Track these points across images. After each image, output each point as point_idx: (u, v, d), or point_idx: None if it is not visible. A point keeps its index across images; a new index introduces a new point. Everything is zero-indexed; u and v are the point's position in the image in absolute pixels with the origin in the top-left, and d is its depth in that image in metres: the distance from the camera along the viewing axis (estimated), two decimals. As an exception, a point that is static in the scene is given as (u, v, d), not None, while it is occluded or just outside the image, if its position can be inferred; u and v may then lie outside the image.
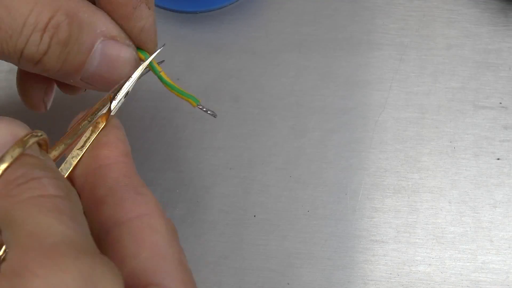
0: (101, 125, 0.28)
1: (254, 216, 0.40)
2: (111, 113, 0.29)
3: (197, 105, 0.33)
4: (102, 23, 0.29)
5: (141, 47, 0.31)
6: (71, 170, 0.28)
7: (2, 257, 0.19)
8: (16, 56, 0.27)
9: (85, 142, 0.28)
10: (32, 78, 0.33)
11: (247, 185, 0.41)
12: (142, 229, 0.25)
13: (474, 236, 0.39)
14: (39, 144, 0.23)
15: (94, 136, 0.28)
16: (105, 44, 0.29)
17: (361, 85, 0.43)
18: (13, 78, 0.44)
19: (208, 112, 0.33)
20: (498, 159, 0.41)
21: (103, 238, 0.25)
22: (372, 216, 0.40)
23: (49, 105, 0.35)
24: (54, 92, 0.35)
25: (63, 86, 0.34)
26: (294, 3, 0.46)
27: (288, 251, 0.39)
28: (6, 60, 0.28)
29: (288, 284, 0.39)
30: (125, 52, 0.30)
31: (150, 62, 0.32)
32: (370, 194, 0.40)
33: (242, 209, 0.40)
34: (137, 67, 0.31)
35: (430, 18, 0.45)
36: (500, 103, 0.43)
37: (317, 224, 0.40)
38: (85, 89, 0.34)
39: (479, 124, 0.42)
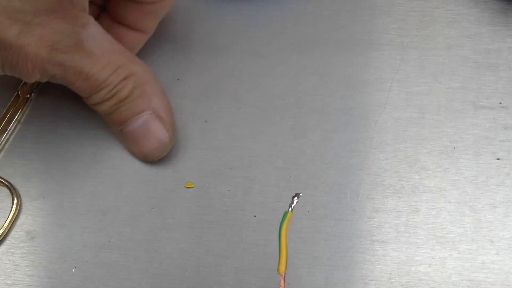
0: None
1: (254, 216, 0.40)
2: None
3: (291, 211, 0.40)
4: (159, 102, 0.37)
5: None
6: None
7: None
8: (86, 97, 0.37)
9: None
10: None
11: (247, 185, 0.41)
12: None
13: (474, 236, 0.39)
14: None
15: None
16: (151, 117, 0.37)
17: (361, 85, 0.43)
18: (13, 78, 0.44)
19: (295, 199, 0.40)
20: (498, 159, 0.41)
21: None
22: (372, 216, 0.40)
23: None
24: None
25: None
26: (294, 3, 0.46)
27: (288, 251, 0.39)
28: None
29: (288, 284, 0.39)
30: (162, 134, 0.38)
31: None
32: (370, 194, 0.40)
33: (242, 209, 0.40)
34: (168, 148, 0.39)
35: (430, 18, 0.45)
36: (500, 103, 0.43)
37: (317, 224, 0.40)
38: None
39: (479, 124, 0.42)
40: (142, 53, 0.44)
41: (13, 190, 0.40)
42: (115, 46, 0.36)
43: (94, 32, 0.34)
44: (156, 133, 0.37)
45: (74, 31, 0.33)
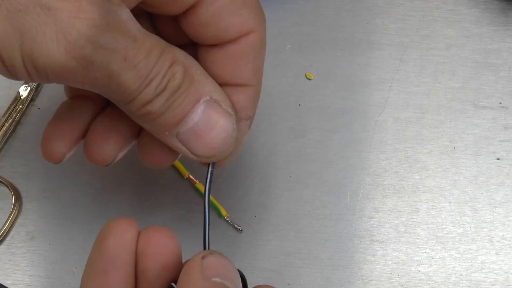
0: None
1: (255, 216, 0.40)
2: None
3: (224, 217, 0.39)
4: (210, 85, 0.30)
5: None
6: None
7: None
8: (133, 95, 0.28)
9: None
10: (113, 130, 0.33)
11: (247, 185, 0.41)
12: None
13: (474, 236, 0.39)
14: None
15: None
16: (209, 104, 0.30)
17: (361, 85, 0.43)
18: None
19: (234, 225, 0.39)
20: (498, 159, 0.41)
21: None
22: (372, 216, 0.40)
23: (116, 160, 0.34)
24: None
25: (146, 153, 0.33)
26: (294, 3, 0.46)
27: (288, 251, 0.39)
28: (114, 99, 0.29)
29: (288, 284, 0.39)
30: (226, 118, 0.31)
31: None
32: (370, 194, 0.40)
33: (242, 209, 0.40)
34: (235, 137, 0.31)
35: (430, 18, 0.45)
36: (500, 103, 0.43)
37: (317, 224, 0.40)
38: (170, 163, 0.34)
39: (479, 124, 0.42)
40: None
41: (13, 190, 0.40)
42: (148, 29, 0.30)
43: (129, 14, 0.27)
44: (220, 120, 0.30)
45: (113, 9, 0.26)
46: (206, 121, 0.30)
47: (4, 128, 0.42)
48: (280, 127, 0.42)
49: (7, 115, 0.42)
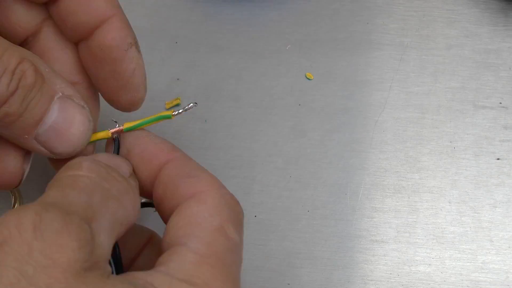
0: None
1: (255, 216, 0.40)
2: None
3: (174, 115, 0.33)
4: (60, 81, 0.30)
5: (133, 91, 0.32)
6: None
7: None
8: None
9: None
10: (6, 147, 0.32)
11: (247, 185, 0.41)
12: (189, 204, 0.27)
13: (474, 236, 0.39)
14: None
15: None
16: (63, 100, 0.30)
17: (361, 85, 0.43)
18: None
19: (189, 105, 0.34)
20: (498, 159, 0.41)
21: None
22: (372, 216, 0.40)
23: (25, 175, 0.33)
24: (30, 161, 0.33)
25: (55, 162, 0.33)
26: (294, 3, 0.46)
27: (288, 251, 0.39)
28: None
29: (288, 284, 0.39)
30: (81, 112, 0.30)
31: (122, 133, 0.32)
32: (370, 194, 0.40)
33: (242, 209, 0.40)
34: (91, 129, 0.31)
35: (430, 18, 0.45)
36: (500, 103, 0.43)
37: (317, 224, 0.40)
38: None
39: (479, 124, 0.42)
40: (143, 53, 0.44)
41: (13, 190, 0.40)
42: None
43: None
44: (76, 115, 0.30)
45: None
46: (64, 118, 0.30)
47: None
48: (280, 127, 0.42)
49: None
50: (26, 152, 0.32)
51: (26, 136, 0.29)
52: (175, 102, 0.43)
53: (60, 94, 0.29)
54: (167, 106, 0.42)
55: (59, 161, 0.31)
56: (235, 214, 0.28)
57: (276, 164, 0.41)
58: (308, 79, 0.43)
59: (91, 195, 0.25)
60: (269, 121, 0.42)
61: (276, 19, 0.45)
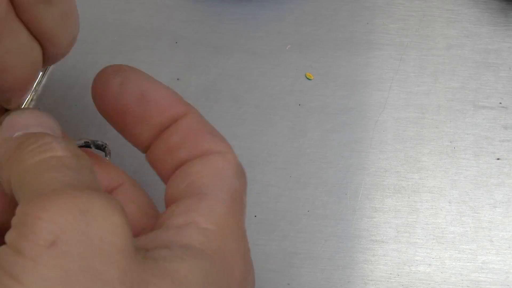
0: None
1: (255, 216, 0.40)
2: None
3: None
4: None
5: (60, 35, 0.26)
6: None
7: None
8: None
9: None
10: None
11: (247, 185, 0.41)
12: (214, 157, 0.26)
13: (474, 236, 0.39)
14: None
15: None
16: None
17: (361, 85, 0.43)
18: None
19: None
20: (498, 159, 0.41)
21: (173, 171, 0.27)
22: (372, 216, 0.40)
23: None
24: None
25: None
26: (294, 3, 0.46)
27: (288, 251, 0.39)
28: None
29: (288, 284, 0.38)
30: None
31: None
32: (370, 194, 0.40)
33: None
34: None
35: (430, 18, 0.45)
36: (500, 103, 0.43)
37: (317, 224, 0.40)
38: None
39: (479, 124, 0.42)
40: (143, 53, 0.44)
41: None
42: None
43: None
44: None
45: None
46: None
47: None
48: (280, 127, 0.42)
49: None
50: None
51: None
52: None
53: None
54: None
55: None
56: (246, 183, 0.28)
57: (276, 164, 0.41)
58: (308, 79, 0.43)
59: (90, 173, 0.23)
60: (269, 121, 0.42)
61: (276, 19, 0.45)
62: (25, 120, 0.25)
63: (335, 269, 0.39)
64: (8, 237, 0.20)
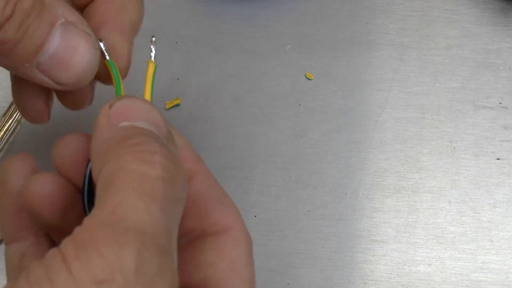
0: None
1: (255, 216, 0.40)
2: None
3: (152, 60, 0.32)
4: (63, 7, 0.28)
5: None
6: None
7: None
8: None
9: None
10: (30, 85, 0.31)
11: (247, 185, 0.41)
12: (226, 242, 0.26)
13: (474, 236, 0.39)
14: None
15: None
16: (66, 27, 0.28)
17: (361, 85, 0.43)
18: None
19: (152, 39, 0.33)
20: (498, 159, 0.41)
21: (183, 245, 0.26)
22: (372, 216, 0.40)
23: (50, 115, 0.33)
24: (53, 99, 0.33)
25: (63, 97, 0.32)
26: (294, 3, 0.46)
27: (288, 251, 0.39)
28: None
29: (288, 284, 0.39)
30: (86, 40, 0.28)
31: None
32: (370, 194, 0.40)
33: (242, 209, 0.40)
34: (98, 58, 0.29)
35: (430, 18, 0.45)
36: (500, 103, 0.43)
37: (317, 224, 0.40)
38: (84, 104, 0.33)
39: (479, 124, 0.42)
40: (143, 52, 0.44)
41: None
42: None
43: None
44: (81, 42, 0.28)
45: None
46: (67, 45, 0.28)
47: (4, 128, 0.42)
48: (280, 127, 0.42)
49: (7, 115, 0.42)
50: (47, 90, 0.31)
51: (27, 65, 0.28)
52: (175, 102, 0.43)
53: (63, 20, 0.27)
54: (167, 106, 0.42)
55: (66, 95, 0.30)
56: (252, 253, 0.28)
57: (276, 164, 0.41)
58: (308, 79, 0.43)
59: (167, 211, 0.22)
60: (269, 121, 0.42)
61: (276, 19, 0.45)
62: (135, 111, 0.24)
63: (335, 269, 0.39)
64: (65, 246, 0.20)
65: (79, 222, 0.21)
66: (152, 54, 0.32)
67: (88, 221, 0.20)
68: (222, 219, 0.26)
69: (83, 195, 0.25)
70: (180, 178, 0.23)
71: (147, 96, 0.30)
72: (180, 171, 0.23)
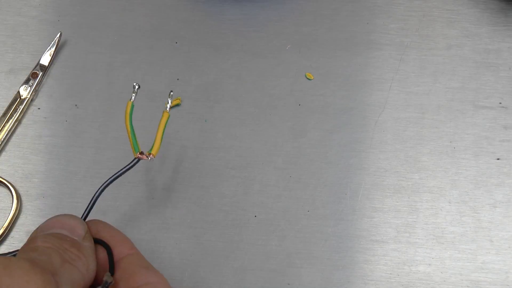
0: None
1: (255, 216, 0.40)
2: None
3: (168, 110, 0.36)
4: None
5: None
6: None
7: None
8: None
9: None
10: None
11: (247, 185, 0.41)
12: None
13: (474, 236, 0.39)
14: None
15: None
16: None
17: (361, 85, 0.43)
18: (13, 78, 0.44)
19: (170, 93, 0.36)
20: (498, 159, 0.41)
21: None
22: (372, 216, 0.40)
23: None
24: None
25: None
26: (294, 3, 0.46)
27: (288, 251, 0.39)
28: None
29: (288, 284, 0.39)
30: None
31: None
32: (370, 194, 0.40)
33: (242, 209, 0.40)
34: None
35: (430, 18, 0.45)
36: (500, 103, 0.43)
37: (317, 224, 0.40)
38: None
39: (479, 124, 0.42)
40: (143, 53, 0.44)
41: (13, 190, 0.40)
42: None
43: None
44: None
45: None
46: None
47: (4, 128, 0.42)
48: (280, 127, 0.42)
49: (7, 115, 0.42)
50: None
51: None
52: (175, 102, 0.43)
53: None
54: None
55: None
56: None
57: (276, 164, 0.41)
58: (308, 79, 0.44)
59: (50, 257, 0.28)
60: (269, 121, 0.42)
61: (276, 19, 0.45)
62: (54, 224, 0.31)
63: (335, 269, 0.39)
64: None
65: None
66: (168, 105, 0.36)
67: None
68: (146, 277, 0.31)
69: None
70: (64, 246, 0.30)
71: (157, 141, 0.35)
72: (65, 244, 0.30)
